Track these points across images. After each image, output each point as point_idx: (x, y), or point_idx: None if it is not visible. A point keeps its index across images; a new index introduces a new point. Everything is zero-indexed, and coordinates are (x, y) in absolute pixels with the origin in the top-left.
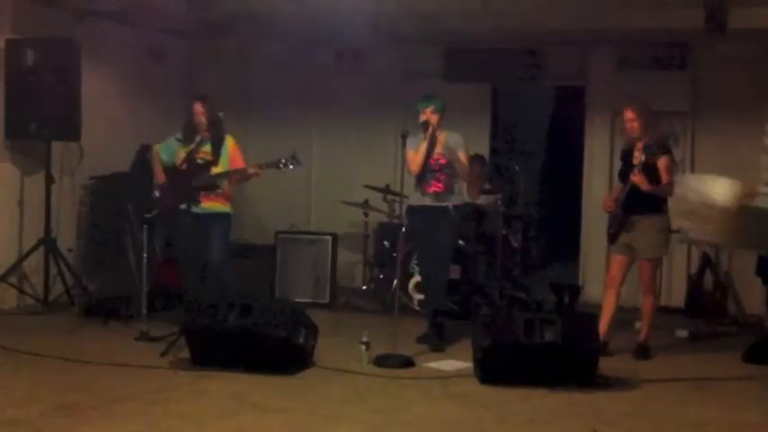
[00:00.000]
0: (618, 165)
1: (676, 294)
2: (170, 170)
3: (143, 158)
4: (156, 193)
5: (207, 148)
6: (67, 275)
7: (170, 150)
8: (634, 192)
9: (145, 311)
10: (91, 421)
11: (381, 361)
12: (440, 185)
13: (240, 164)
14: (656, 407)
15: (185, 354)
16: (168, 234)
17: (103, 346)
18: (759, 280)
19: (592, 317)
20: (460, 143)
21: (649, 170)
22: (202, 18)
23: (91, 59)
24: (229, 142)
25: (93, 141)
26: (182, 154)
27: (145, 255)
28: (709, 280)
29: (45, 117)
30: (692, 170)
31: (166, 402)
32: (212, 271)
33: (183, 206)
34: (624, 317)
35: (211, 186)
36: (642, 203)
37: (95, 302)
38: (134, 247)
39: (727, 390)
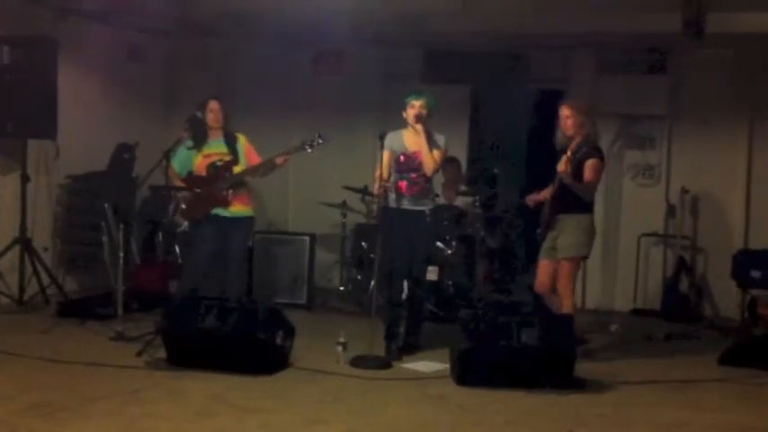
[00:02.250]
0: None
1: (652, 297)
2: (191, 179)
3: (120, 157)
4: (183, 206)
5: (221, 148)
6: (43, 275)
7: (182, 160)
8: (561, 190)
9: (121, 312)
10: (66, 421)
11: (358, 362)
12: (416, 188)
13: (257, 159)
14: (632, 409)
15: (162, 354)
16: (146, 237)
17: (79, 345)
18: (734, 283)
19: (568, 319)
20: (441, 141)
21: (576, 170)
22: (184, 18)
23: (70, 58)
24: (242, 140)
25: (69, 140)
26: (199, 160)
27: (121, 255)
28: (684, 283)
29: (21, 115)
30: (668, 174)
31: (142, 403)
32: (229, 276)
33: (213, 211)
34: (600, 319)
35: (239, 184)
36: (568, 202)
37: (71, 302)
38: (110, 247)
39: (704, 392)
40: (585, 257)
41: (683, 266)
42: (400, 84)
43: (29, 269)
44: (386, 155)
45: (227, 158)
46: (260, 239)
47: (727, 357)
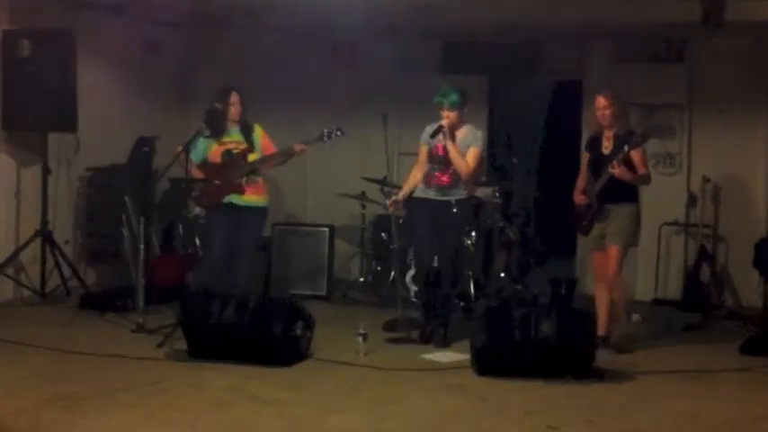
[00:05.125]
0: None
1: (673, 287)
2: (206, 166)
3: (140, 150)
4: (195, 192)
5: (237, 137)
6: (64, 267)
7: (199, 150)
8: (610, 182)
9: (141, 304)
10: (88, 412)
11: (391, 326)
12: (445, 179)
13: (273, 149)
14: (652, 399)
15: (182, 346)
16: (166, 230)
17: (100, 337)
18: (756, 272)
19: (588, 310)
20: (477, 140)
21: (625, 159)
22: (199, 10)
23: (88, 51)
24: (258, 130)
25: (89, 133)
26: (215, 148)
27: (142, 247)
28: (706, 272)
29: (42, 108)
30: (689, 163)
31: (163, 394)
32: (238, 264)
33: (226, 199)
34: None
35: (254, 172)
36: (618, 193)
37: (92, 294)
38: (131, 240)
39: (724, 382)
40: (633, 245)
41: (704, 256)
42: (417, 75)
43: (50, 262)
44: (423, 149)
45: (243, 147)
46: (279, 231)
47: (748, 347)
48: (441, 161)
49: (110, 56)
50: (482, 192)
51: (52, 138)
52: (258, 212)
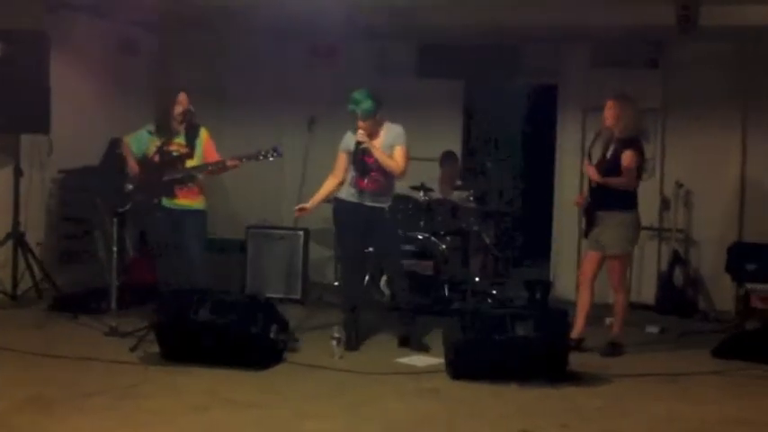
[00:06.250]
0: None
1: (646, 291)
2: (143, 162)
3: (113, 152)
4: (130, 186)
5: (180, 139)
6: (36, 270)
7: (141, 142)
8: (600, 187)
9: (115, 306)
10: (61, 416)
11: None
12: (375, 185)
13: (215, 156)
14: (627, 402)
15: (155, 349)
16: (142, 229)
17: (73, 340)
18: (729, 276)
19: (562, 313)
20: (399, 137)
21: (613, 164)
22: (176, 11)
23: (62, 52)
24: (204, 134)
25: (62, 134)
26: (154, 146)
27: (115, 249)
28: (679, 276)
29: (14, 109)
30: (662, 167)
31: (137, 397)
32: (188, 269)
33: (156, 200)
34: (595, 313)
35: (187, 179)
36: (607, 199)
37: (64, 297)
38: (104, 242)
39: (698, 385)
40: (629, 252)
41: (677, 260)
42: (394, 77)
43: (22, 264)
44: (342, 156)
45: (184, 151)
46: (253, 234)
47: (720, 350)
48: (367, 169)
49: (85, 57)
50: (457, 195)
51: (25, 139)
52: (195, 215)
